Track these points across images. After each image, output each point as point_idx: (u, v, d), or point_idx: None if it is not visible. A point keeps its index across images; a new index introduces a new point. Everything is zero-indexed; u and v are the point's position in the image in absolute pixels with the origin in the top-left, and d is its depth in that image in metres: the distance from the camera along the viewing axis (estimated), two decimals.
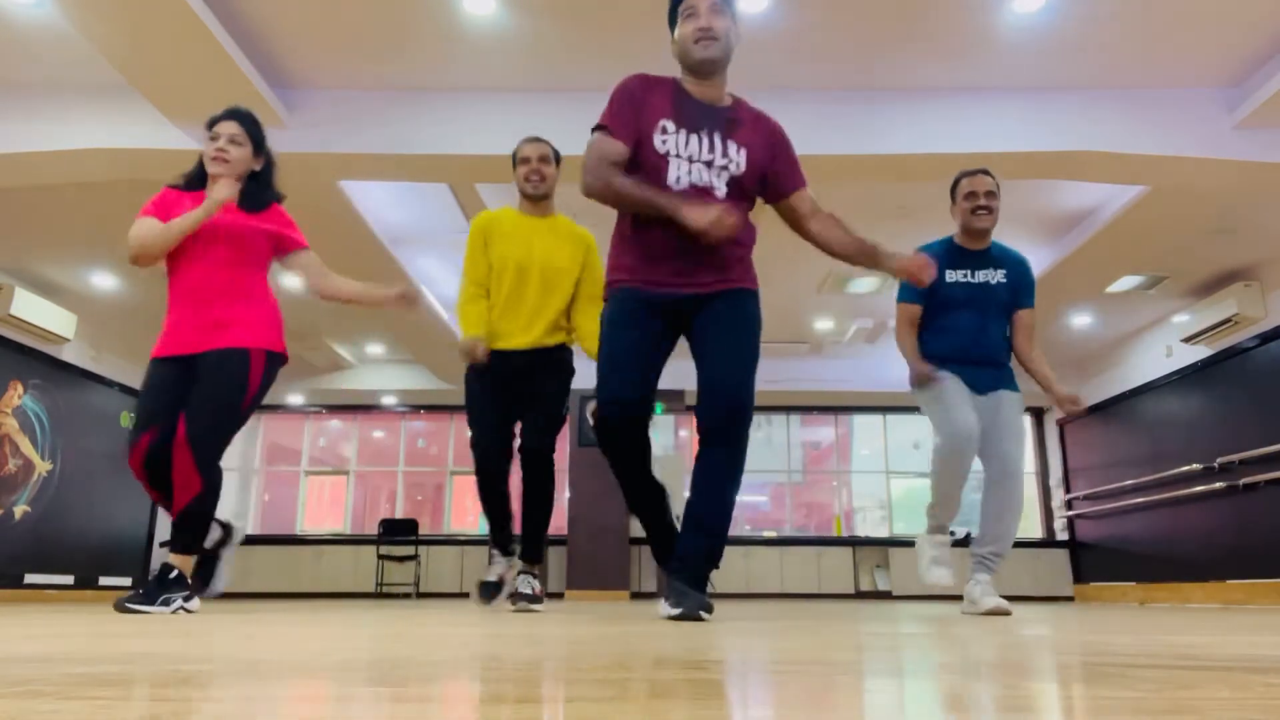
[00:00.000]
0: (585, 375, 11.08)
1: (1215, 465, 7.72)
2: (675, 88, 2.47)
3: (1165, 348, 8.55)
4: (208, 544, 2.98)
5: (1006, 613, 3.29)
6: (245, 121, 3.00)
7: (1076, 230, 6.67)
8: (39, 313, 7.70)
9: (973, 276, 3.47)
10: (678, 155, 2.39)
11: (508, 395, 3.37)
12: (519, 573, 3.46)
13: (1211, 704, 0.66)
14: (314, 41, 4.64)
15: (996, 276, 3.47)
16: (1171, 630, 2.00)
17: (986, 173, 3.47)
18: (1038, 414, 11.17)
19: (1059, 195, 6.24)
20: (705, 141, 2.41)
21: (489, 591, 3.59)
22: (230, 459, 11.27)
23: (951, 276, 3.46)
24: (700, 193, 2.38)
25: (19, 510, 7.99)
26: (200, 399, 2.79)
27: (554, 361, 3.41)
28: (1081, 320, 8.58)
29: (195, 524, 2.82)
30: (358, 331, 9.25)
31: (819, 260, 7.38)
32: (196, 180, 3.00)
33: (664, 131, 2.40)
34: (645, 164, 2.40)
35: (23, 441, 8.04)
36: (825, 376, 10.29)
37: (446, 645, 1.29)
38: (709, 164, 2.41)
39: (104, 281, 7.69)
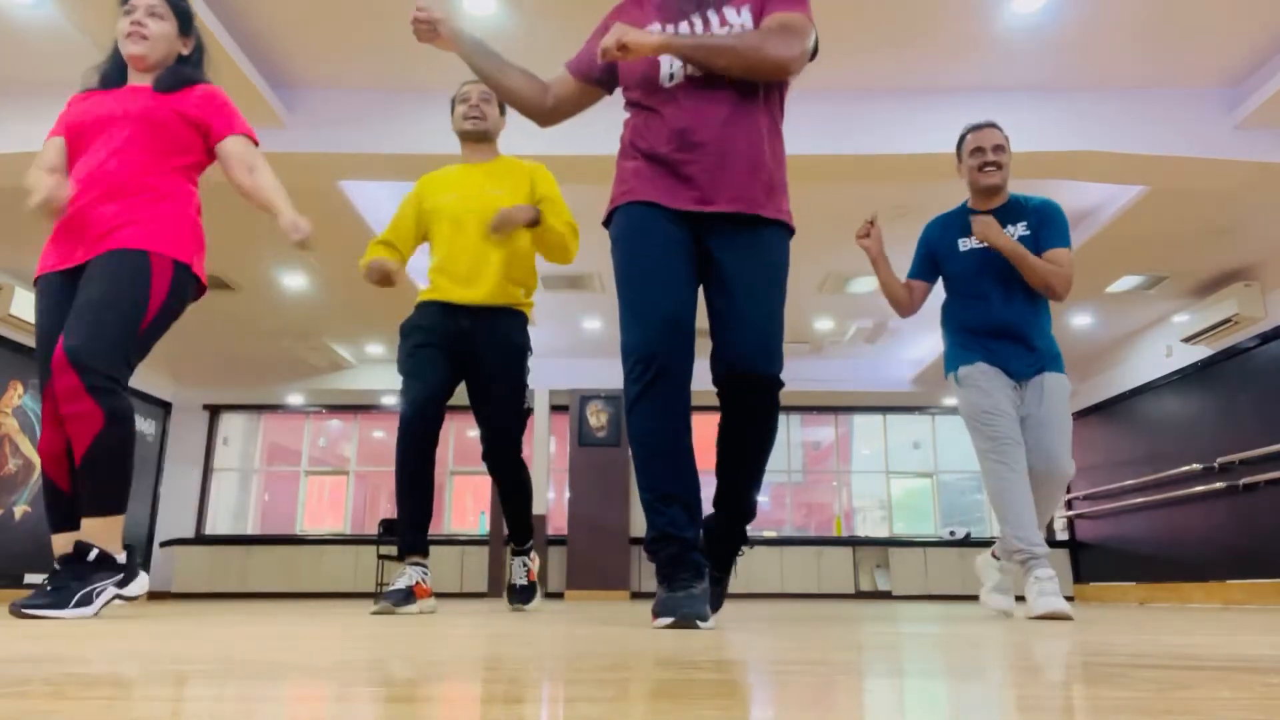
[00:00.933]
0: (584, 374, 10.97)
1: (1215, 465, 7.72)
2: None
3: (1165, 348, 8.55)
4: (107, 579, 2.19)
5: (1068, 616, 2.80)
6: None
7: (1076, 230, 6.67)
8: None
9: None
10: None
11: (451, 359, 3.03)
12: (512, 555, 3.38)
13: (1211, 704, 0.66)
14: (314, 41, 4.65)
15: (1017, 232, 3.08)
16: (1171, 630, 2.00)
17: (994, 125, 3.14)
18: None
19: (1059, 195, 6.24)
20: (700, 23, 2.08)
21: (397, 599, 2.91)
22: (230, 459, 11.28)
23: (965, 245, 3.13)
24: (701, 85, 2.03)
25: (19, 510, 7.99)
26: (80, 304, 2.20)
27: (503, 335, 3.05)
28: (1081, 320, 8.58)
29: (108, 470, 2.14)
30: (358, 331, 9.25)
31: (819, 260, 7.38)
32: (115, 74, 2.49)
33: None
34: (638, 73, 2.09)
35: (23, 441, 8.04)
36: (825, 376, 10.29)
37: (446, 645, 1.29)
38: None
39: None
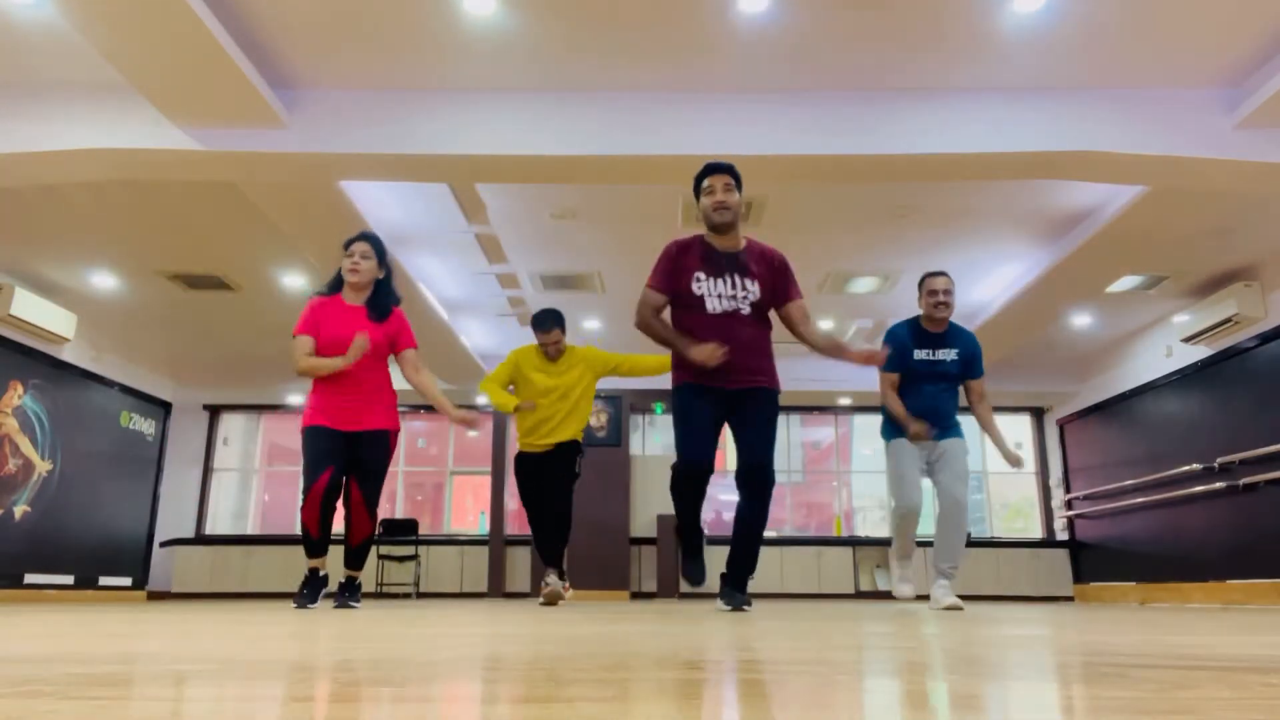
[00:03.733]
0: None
1: (1215, 465, 7.72)
2: (702, 244, 3.48)
3: (1165, 348, 8.55)
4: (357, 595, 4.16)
5: (959, 608, 4.15)
6: (374, 242, 4.03)
7: (1076, 230, 6.67)
8: (39, 313, 7.70)
9: (933, 354, 4.47)
10: (710, 294, 3.41)
11: (538, 480, 4.79)
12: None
13: (1211, 704, 0.66)
14: (314, 41, 4.64)
15: (951, 355, 4.47)
16: (1171, 630, 2.00)
17: (944, 274, 4.48)
18: (1038, 414, 11.17)
19: (1059, 195, 6.24)
20: (728, 280, 3.42)
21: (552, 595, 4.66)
22: (230, 459, 11.30)
23: (918, 355, 4.47)
24: (730, 315, 3.40)
25: (19, 510, 7.99)
26: (366, 469, 3.93)
27: (566, 457, 4.74)
28: (1081, 320, 8.58)
29: (366, 550, 4.08)
30: None
31: (819, 261, 7.38)
32: (336, 285, 4.03)
33: (698, 280, 3.42)
34: (689, 302, 3.41)
35: (23, 441, 8.04)
36: (825, 376, 10.29)
37: (446, 645, 1.29)
38: (733, 296, 3.41)
39: (104, 281, 7.69)
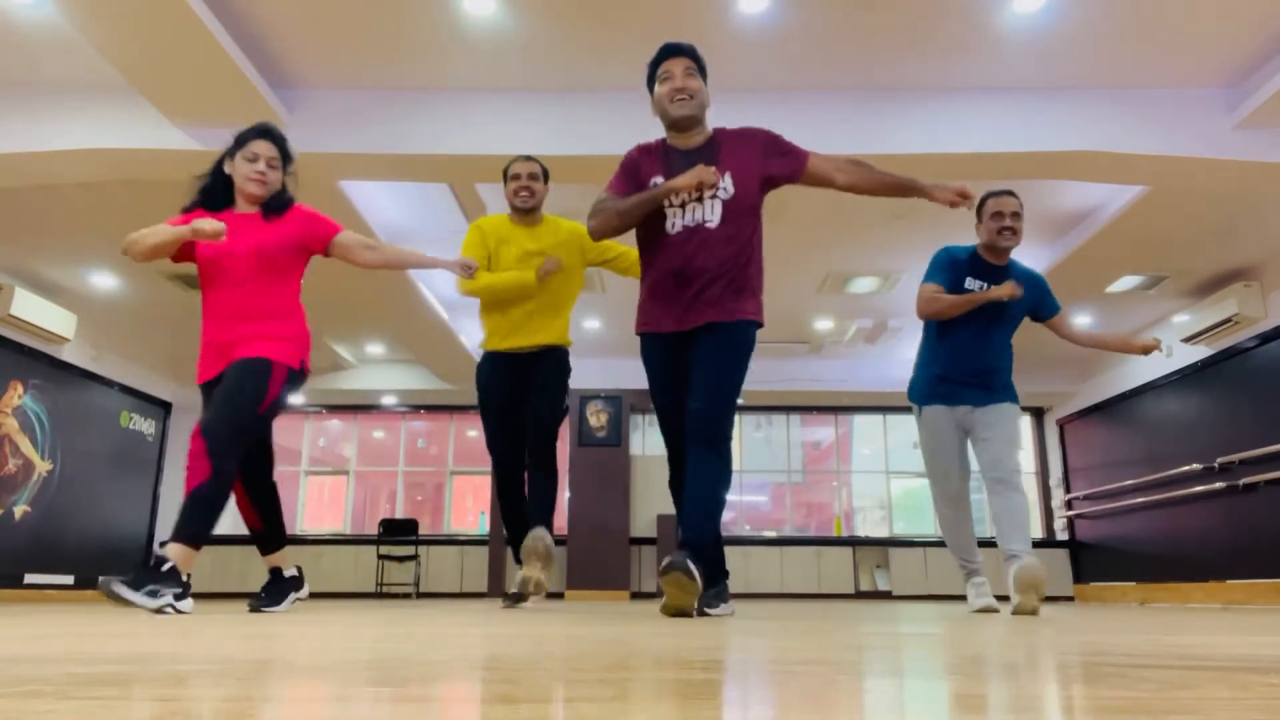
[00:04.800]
0: (584, 374, 10.97)
1: (1215, 465, 7.72)
2: (662, 147, 2.90)
3: (1165, 348, 8.55)
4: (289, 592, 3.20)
5: (995, 610, 3.69)
6: (280, 142, 3.09)
7: (1076, 230, 6.68)
8: (39, 313, 7.70)
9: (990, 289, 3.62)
10: (669, 205, 2.81)
11: (514, 391, 3.69)
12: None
13: (1211, 704, 0.66)
14: (314, 41, 4.64)
15: (1015, 288, 3.55)
16: (1171, 630, 2.00)
17: (1012, 194, 3.65)
18: (1038, 414, 11.17)
19: (1059, 195, 6.24)
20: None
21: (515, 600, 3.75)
22: None
23: (970, 285, 3.65)
24: (694, 231, 2.78)
25: (19, 510, 7.99)
26: (218, 396, 2.88)
27: (553, 363, 3.71)
28: (1081, 320, 8.58)
29: (199, 510, 2.75)
30: (358, 331, 9.25)
31: (819, 260, 7.38)
32: (223, 192, 3.05)
33: (655, 185, 2.82)
34: (646, 221, 2.84)
35: (23, 441, 8.04)
36: (825, 376, 10.29)
37: (446, 645, 1.29)
38: (699, 200, 2.79)
39: (104, 281, 7.69)
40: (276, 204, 3.03)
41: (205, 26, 4.05)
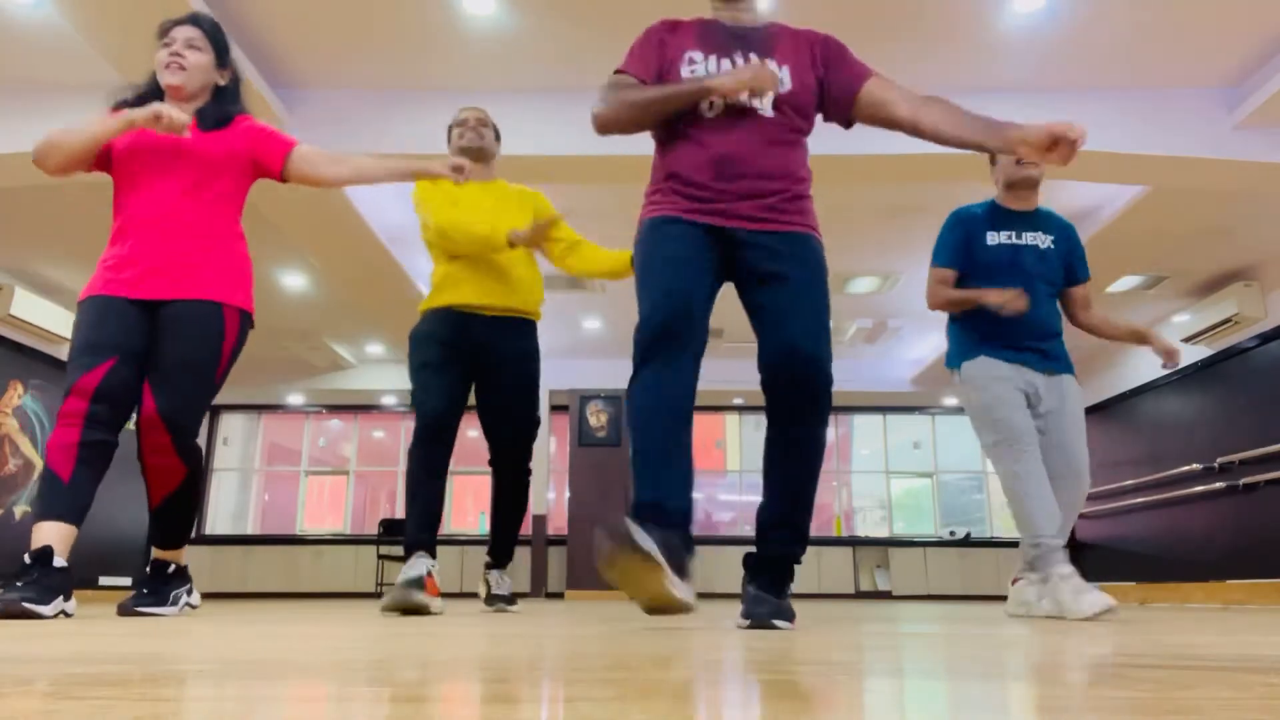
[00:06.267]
0: (584, 374, 10.97)
1: (1215, 465, 7.72)
2: (701, 22, 2.23)
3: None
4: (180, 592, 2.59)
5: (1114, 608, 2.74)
6: (206, 25, 2.55)
7: (1076, 230, 6.67)
8: (39, 313, 7.70)
9: (1019, 238, 3.07)
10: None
11: (467, 365, 3.11)
12: (493, 569, 3.38)
13: (1211, 704, 0.66)
14: (314, 41, 4.64)
15: (1046, 241, 3.11)
16: (1171, 630, 2.00)
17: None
18: None
19: (1059, 195, 6.24)
20: (740, 62, 2.12)
21: (408, 583, 2.83)
22: (230, 459, 11.28)
23: (994, 239, 3.06)
24: (741, 114, 2.07)
25: (19, 510, 7.99)
26: (171, 365, 2.33)
27: (519, 340, 3.15)
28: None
29: (182, 512, 2.47)
30: (358, 331, 9.25)
31: None
32: (151, 97, 2.51)
33: (690, 63, 2.13)
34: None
35: (23, 441, 8.04)
36: None
37: (446, 645, 1.29)
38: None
39: None
40: (215, 113, 2.50)
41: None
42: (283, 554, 10.42)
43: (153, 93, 2.53)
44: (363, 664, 0.97)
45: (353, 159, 2.65)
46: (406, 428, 11.50)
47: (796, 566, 2.02)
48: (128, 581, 9.69)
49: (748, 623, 1.91)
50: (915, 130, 2.15)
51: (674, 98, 2.05)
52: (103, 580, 9.27)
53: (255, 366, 10.14)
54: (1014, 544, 10.56)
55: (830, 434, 11.73)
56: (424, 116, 5.04)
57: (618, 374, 10.36)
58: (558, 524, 10.57)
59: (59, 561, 2.23)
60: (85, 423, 2.28)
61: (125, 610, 2.44)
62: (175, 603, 2.54)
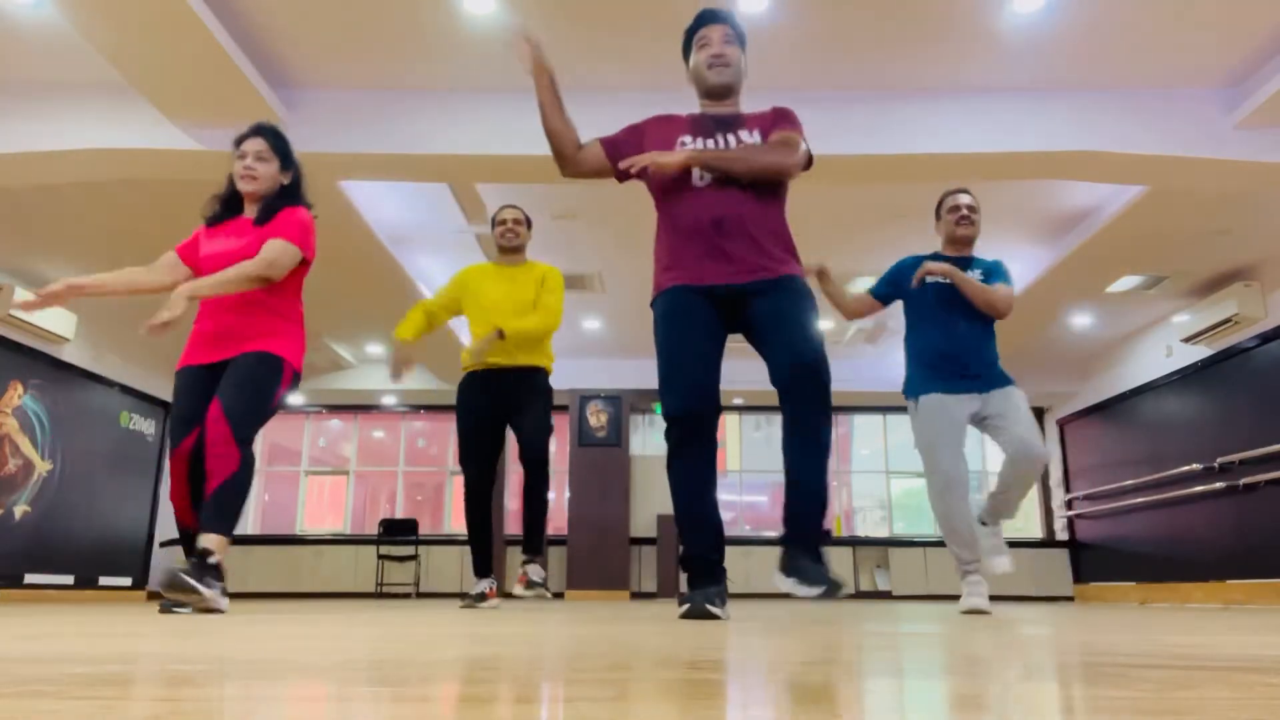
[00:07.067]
0: (584, 374, 10.93)
1: (1215, 465, 7.72)
2: (693, 115, 2.70)
3: (1165, 348, 8.55)
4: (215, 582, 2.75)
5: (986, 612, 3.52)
6: (270, 136, 3.05)
7: (1076, 230, 6.67)
8: (39, 313, 7.70)
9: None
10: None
11: (496, 417, 4.06)
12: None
13: (1211, 704, 0.66)
14: (314, 41, 4.64)
15: (975, 277, 3.68)
16: (1171, 630, 2.00)
17: (967, 191, 3.84)
18: (1038, 414, 11.17)
19: (1059, 195, 6.24)
20: (722, 142, 2.59)
21: (477, 598, 4.06)
22: None
23: (933, 279, 3.69)
24: (725, 183, 2.53)
25: (19, 510, 7.99)
26: (234, 380, 2.84)
27: (531, 378, 4.03)
28: (1081, 320, 8.57)
29: (232, 500, 2.76)
30: (358, 331, 9.25)
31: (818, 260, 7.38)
32: (231, 201, 3.06)
33: (682, 145, 2.59)
34: (669, 177, 2.58)
35: (23, 441, 8.04)
36: None
37: (446, 645, 1.29)
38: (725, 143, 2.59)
39: None
40: (265, 211, 3.01)
41: (205, 26, 4.05)
42: (283, 554, 10.42)
43: (232, 195, 3.08)
44: (363, 664, 0.97)
45: (263, 255, 2.92)
46: (407, 428, 11.51)
47: (827, 537, 2.40)
48: (128, 581, 9.70)
49: (799, 589, 2.28)
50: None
51: (552, 105, 2.59)
52: (103, 580, 9.27)
53: None
54: (1014, 544, 10.57)
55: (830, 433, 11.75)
56: (423, 116, 5.04)
57: (618, 374, 10.36)
58: (558, 524, 10.57)
59: (213, 559, 2.70)
60: (190, 472, 2.87)
61: (170, 578, 2.60)
62: (211, 589, 2.67)
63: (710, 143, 2.58)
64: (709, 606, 2.32)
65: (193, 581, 2.57)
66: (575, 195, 6.25)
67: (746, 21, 4.47)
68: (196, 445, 2.85)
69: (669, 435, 2.48)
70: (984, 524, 3.71)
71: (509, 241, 4.10)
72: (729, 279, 2.48)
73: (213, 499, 2.74)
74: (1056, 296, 7.49)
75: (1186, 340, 7.95)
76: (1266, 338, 7.21)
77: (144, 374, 10.13)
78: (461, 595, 7.58)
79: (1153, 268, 7.22)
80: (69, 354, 8.64)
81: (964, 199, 3.78)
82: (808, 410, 2.38)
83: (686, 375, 2.45)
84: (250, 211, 3.05)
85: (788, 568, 2.35)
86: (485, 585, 4.02)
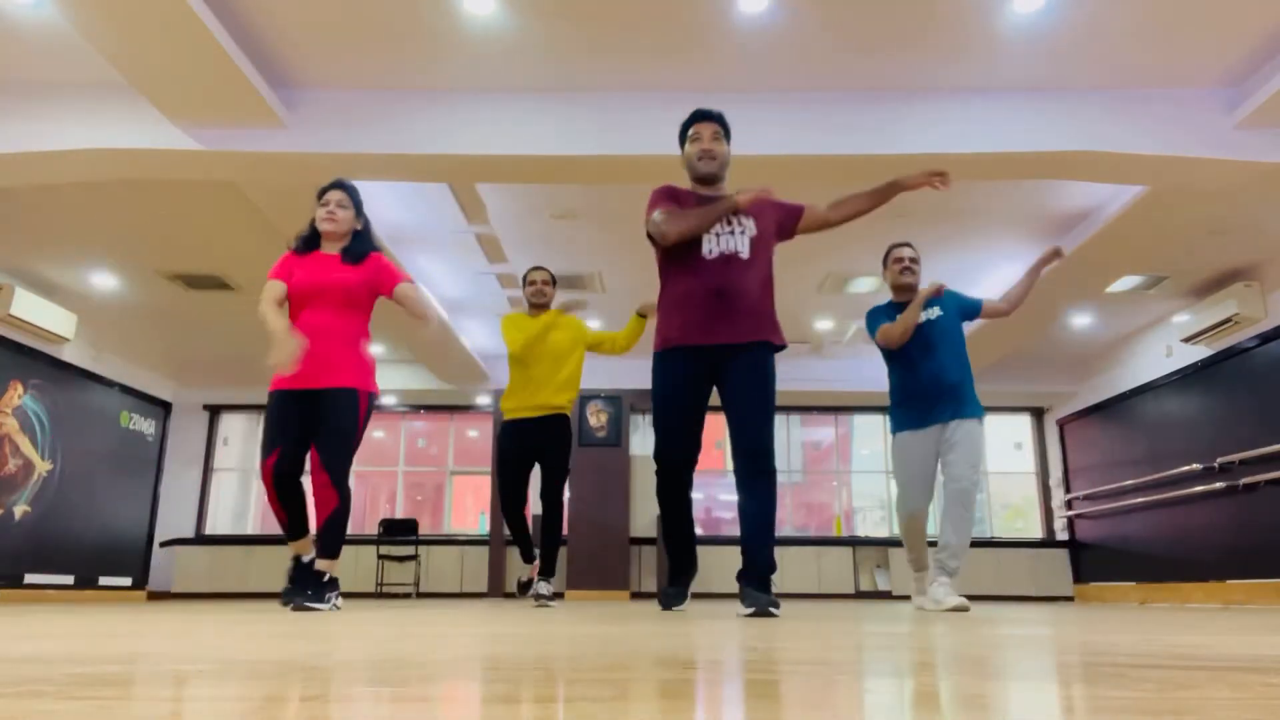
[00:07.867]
0: (584, 374, 10.91)
1: (1215, 465, 7.72)
2: (691, 193, 3.29)
3: (1165, 348, 8.55)
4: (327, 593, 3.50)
5: (965, 609, 3.84)
6: (349, 190, 3.70)
7: (1076, 230, 6.67)
8: (39, 313, 7.70)
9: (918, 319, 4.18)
10: (706, 236, 3.16)
11: (527, 456, 4.69)
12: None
13: (1211, 704, 0.66)
14: (314, 41, 4.64)
15: (934, 313, 4.20)
16: (1171, 630, 2.00)
17: (909, 245, 4.40)
18: (1038, 414, 11.17)
19: (1059, 195, 6.24)
20: (723, 220, 3.17)
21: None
22: (230, 459, 11.29)
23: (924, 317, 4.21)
24: (729, 258, 3.13)
25: (19, 510, 7.99)
26: (328, 431, 3.47)
27: (555, 428, 4.70)
28: (1081, 320, 8.57)
29: (337, 532, 3.47)
30: None
31: (819, 261, 7.38)
32: (311, 239, 3.65)
33: (718, 204, 3.14)
34: (680, 247, 3.17)
35: (23, 441, 8.04)
36: (825, 376, 10.29)
37: (447, 645, 1.29)
38: (731, 234, 3.18)
39: (104, 281, 7.69)
40: (355, 250, 3.63)
41: (205, 26, 4.05)
42: (283, 554, 10.41)
43: (313, 235, 3.66)
44: (363, 663, 0.97)
45: (425, 304, 3.66)
46: (407, 428, 11.51)
47: (773, 575, 3.02)
48: (128, 581, 9.70)
49: (750, 610, 2.87)
50: (846, 220, 3.26)
51: (705, 220, 3.09)
52: (103, 580, 9.27)
53: (255, 367, 10.15)
54: (1014, 544, 10.58)
55: (830, 434, 11.74)
56: (423, 116, 5.04)
57: (618, 374, 10.36)
58: None
59: (306, 558, 3.62)
60: (275, 487, 3.48)
61: (293, 604, 3.40)
62: (328, 602, 3.41)
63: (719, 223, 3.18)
64: (677, 607, 3.37)
65: (311, 605, 3.35)
66: (575, 195, 6.24)
67: (746, 21, 4.47)
68: (280, 463, 3.44)
69: (658, 471, 3.24)
70: (943, 575, 4.06)
71: (539, 299, 4.73)
72: (726, 339, 3.09)
73: (321, 533, 3.48)
74: (1056, 296, 7.48)
75: (1186, 340, 7.95)
76: (1266, 338, 7.21)
77: (144, 374, 10.13)
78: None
79: (1153, 268, 7.21)
80: (69, 354, 8.64)
81: (907, 252, 4.35)
82: (755, 484, 3.04)
83: (674, 436, 3.17)
84: (329, 248, 3.65)
85: (743, 594, 2.99)
86: (528, 572, 4.81)
